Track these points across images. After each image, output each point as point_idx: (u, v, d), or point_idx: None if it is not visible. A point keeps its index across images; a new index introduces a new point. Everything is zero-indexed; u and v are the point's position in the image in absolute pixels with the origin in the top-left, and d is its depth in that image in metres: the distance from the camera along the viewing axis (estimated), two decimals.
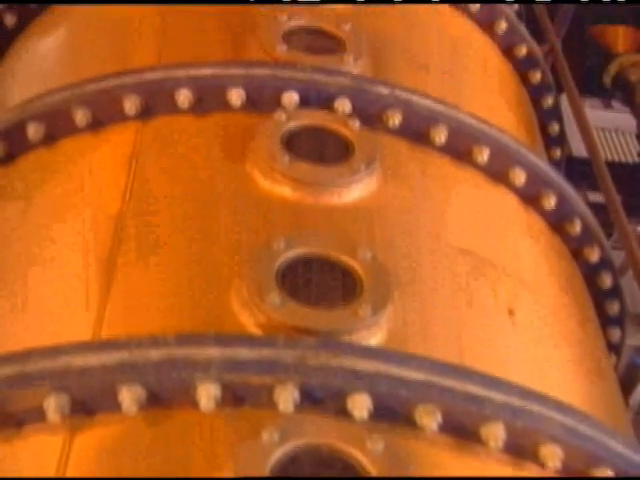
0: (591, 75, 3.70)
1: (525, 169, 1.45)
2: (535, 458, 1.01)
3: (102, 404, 0.98)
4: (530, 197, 1.48)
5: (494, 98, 1.78)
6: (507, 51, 1.97)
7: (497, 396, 1.01)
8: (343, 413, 0.96)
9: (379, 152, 1.33)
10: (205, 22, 1.59)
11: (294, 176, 1.26)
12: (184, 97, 1.37)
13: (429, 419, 0.97)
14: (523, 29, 1.98)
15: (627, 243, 2.31)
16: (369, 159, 1.30)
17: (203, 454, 0.93)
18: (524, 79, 2.02)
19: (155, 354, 0.98)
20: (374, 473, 0.90)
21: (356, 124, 1.35)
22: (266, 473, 0.88)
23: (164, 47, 1.54)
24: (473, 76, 1.80)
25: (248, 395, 0.97)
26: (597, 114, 4.79)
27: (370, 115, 1.40)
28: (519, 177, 1.45)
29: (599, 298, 1.59)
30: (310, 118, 1.35)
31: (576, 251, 1.55)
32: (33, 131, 1.38)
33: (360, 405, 0.96)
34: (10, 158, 1.42)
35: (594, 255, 1.55)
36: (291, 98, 1.38)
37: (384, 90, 1.41)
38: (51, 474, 0.95)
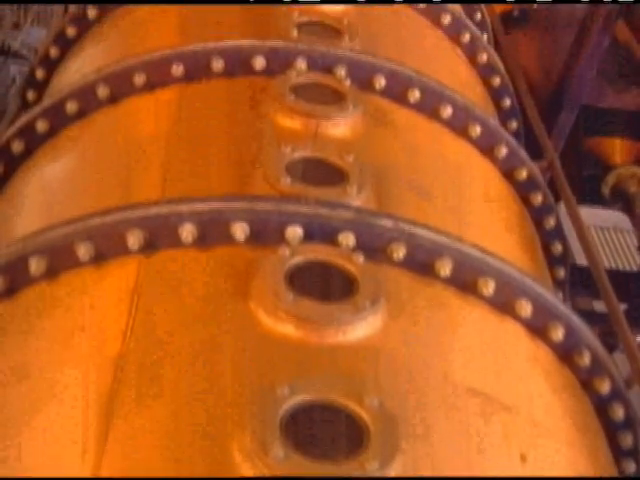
0: (589, 184, 3.75)
1: (531, 300, 1.44)
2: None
3: None
4: (537, 329, 1.46)
5: (497, 224, 1.79)
6: (508, 174, 1.99)
7: None
8: None
9: (384, 288, 1.32)
10: (210, 153, 1.61)
11: (298, 314, 1.24)
12: (187, 232, 1.37)
13: None
14: (523, 153, 2.00)
15: (631, 354, 2.28)
16: (374, 296, 1.28)
17: None
18: (525, 200, 2.04)
19: None
20: None
21: (360, 259, 1.34)
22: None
23: (169, 178, 1.55)
24: (475, 202, 1.81)
25: None
26: (595, 212, 4.82)
27: (374, 248, 1.40)
28: (525, 309, 1.44)
29: (611, 430, 1.54)
30: (314, 253, 1.35)
31: (586, 382, 1.52)
32: (35, 265, 1.37)
33: None
34: (11, 292, 1.40)
35: (605, 387, 1.51)
36: (295, 232, 1.38)
37: (388, 223, 1.41)
38: None
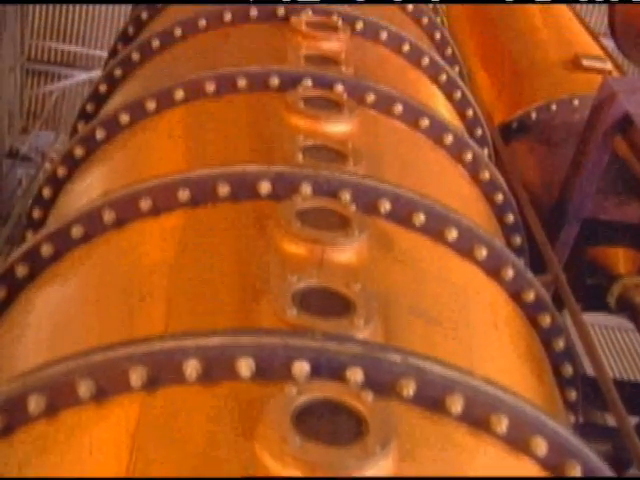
0: (594, 292, 3.73)
1: (546, 438, 1.39)
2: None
3: None
4: (554, 467, 1.41)
5: (507, 352, 1.76)
6: (515, 296, 1.97)
7: None
8: None
9: (394, 428, 1.27)
10: (215, 284, 1.60)
11: (306, 460, 1.19)
12: (192, 368, 1.34)
13: None
14: (530, 274, 1.99)
15: None
16: (384, 439, 1.24)
17: None
18: (534, 322, 2.01)
19: None
20: None
21: (369, 397, 1.31)
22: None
23: (173, 311, 1.53)
24: (484, 329, 1.79)
25: None
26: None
27: (383, 384, 1.36)
28: (540, 447, 1.39)
29: None
30: (322, 391, 1.31)
31: None
32: (34, 404, 1.33)
33: None
34: (8, 431, 1.36)
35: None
36: (302, 368, 1.35)
37: (396, 358, 1.38)
38: None
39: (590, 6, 10.99)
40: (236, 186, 1.85)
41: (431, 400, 1.37)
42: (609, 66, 4.30)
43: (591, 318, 3.77)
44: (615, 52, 6.84)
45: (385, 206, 1.88)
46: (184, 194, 1.85)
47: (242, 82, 2.37)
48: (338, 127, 2.18)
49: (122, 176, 2.10)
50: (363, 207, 1.87)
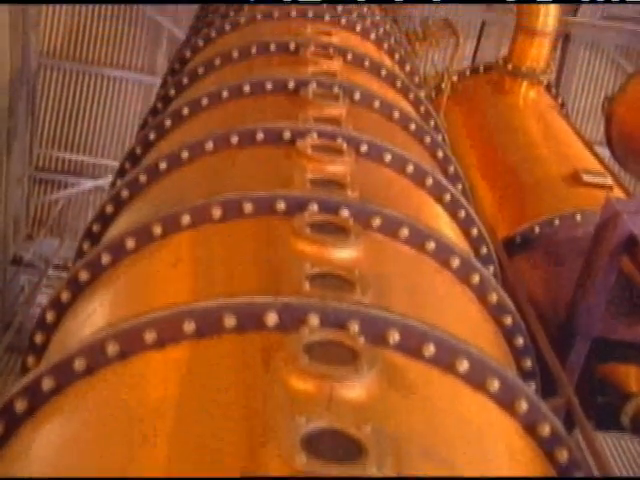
0: (606, 411, 3.64)
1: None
2: None
3: None
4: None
5: None
6: (530, 429, 1.91)
7: None
8: None
9: None
10: (219, 424, 1.55)
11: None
12: None
13: None
14: (544, 407, 1.93)
15: None
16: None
17: None
18: (550, 456, 1.94)
19: None
20: None
21: None
22: None
23: (175, 454, 1.48)
24: (499, 464, 1.72)
25: None
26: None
27: None
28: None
29: None
30: None
31: None
32: None
33: None
34: None
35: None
36: None
37: None
38: None
39: (585, 115, 11.27)
40: (242, 317, 1.83)
41: None
42: (609, 181, 4.36)
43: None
44: (611, 161, 6.98)
45: (394, 337, 1.85)
46: (189, 326, 1.82)
47: (248, 207, 2.38)
48: (345, 253, 2.17)
49: (126, 305, 2.08)
50: (372, 338, 1.83)
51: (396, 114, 3.53)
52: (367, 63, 3.98)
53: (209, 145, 2.91)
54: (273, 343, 1.78)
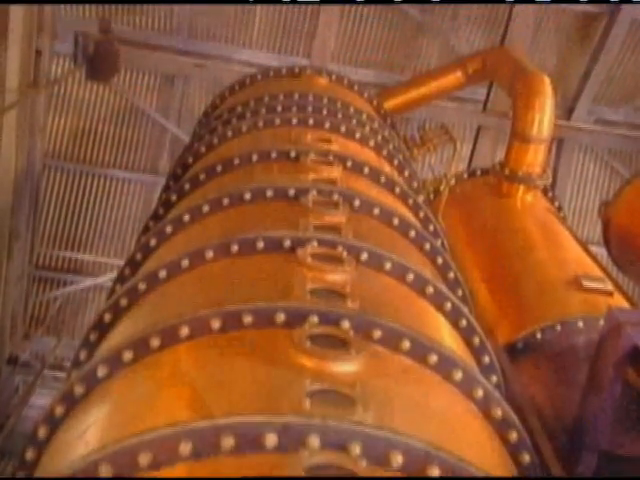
0: None
1: None
2: None
3: None
4: None
5: None
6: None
7: None
8: None
9: None
10: None
11: None
12: None
13: None
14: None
15: None
16: None
17: None
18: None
19: None
20: None
21: None
22: None
23: None
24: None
25: None
26: None
27: None
28: None
29: None
30: None
31: None
32: None
33: None
34: None
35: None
36: None
37: None
38: None
39: (582, 216, 11.39)
40: (240, 439, 1.78)
41: None
42: (609, 286, 4.35)
43: None
44: (608, 260, 6.98)
45: (397, 459, 1.79)
46: (186, 447, 1.76)
47: (248, 319, 2.36)
48: (345, 367, 2.13)
49: (120, 423, 2.02)
50: (374, 460, 1.78)
51: (396, 221, 3.56)
52: (367, 170, 4.04)
53: (209, 254, 2.91)
54: (271, 465, 1.72)
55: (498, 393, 2.50)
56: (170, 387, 2.11)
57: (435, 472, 1.79)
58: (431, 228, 4.13)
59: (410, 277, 2.98)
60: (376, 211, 3.54)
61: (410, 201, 4.11)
